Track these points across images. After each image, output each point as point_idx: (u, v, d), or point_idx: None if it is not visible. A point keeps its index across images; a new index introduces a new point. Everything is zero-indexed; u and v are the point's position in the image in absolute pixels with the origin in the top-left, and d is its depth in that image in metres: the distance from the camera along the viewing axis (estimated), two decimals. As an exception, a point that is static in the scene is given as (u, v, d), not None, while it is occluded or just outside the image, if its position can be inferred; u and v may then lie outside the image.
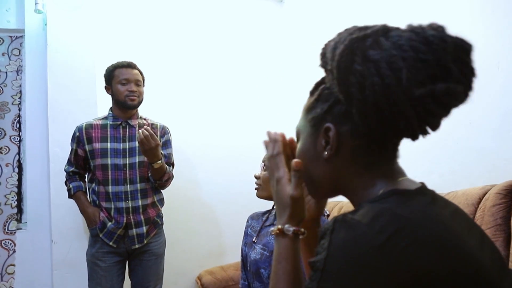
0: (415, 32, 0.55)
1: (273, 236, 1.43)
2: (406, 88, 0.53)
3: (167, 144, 2.26)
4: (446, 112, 0.56)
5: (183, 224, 2.85)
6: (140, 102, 2.16)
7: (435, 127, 0.57)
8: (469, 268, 0.50)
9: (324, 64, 0.63)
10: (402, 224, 0.50)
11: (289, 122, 3.21)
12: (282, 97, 3.28)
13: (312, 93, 0.69)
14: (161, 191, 2.27)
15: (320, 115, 0.64)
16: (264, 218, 1.55)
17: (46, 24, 2.61)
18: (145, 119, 2.25)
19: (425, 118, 0.55)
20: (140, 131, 1.96)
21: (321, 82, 0.68)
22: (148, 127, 1.98)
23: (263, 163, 1.47)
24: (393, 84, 0.53)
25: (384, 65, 0.53)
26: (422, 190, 0.60)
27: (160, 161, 2.05)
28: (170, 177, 2.18)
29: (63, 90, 2.55)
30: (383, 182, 0.61)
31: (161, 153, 2.21)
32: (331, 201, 2.43)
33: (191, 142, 2.93)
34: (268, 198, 1.46)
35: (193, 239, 2.89)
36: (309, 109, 0.67)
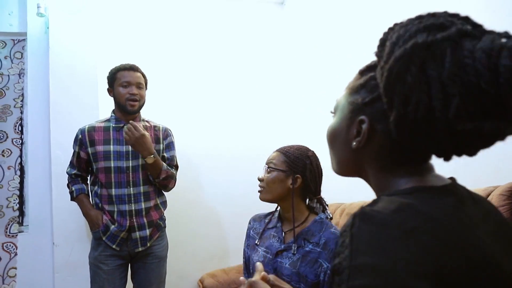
0: (488, 54, 0.47)
1: (275, 238, 1.44)
2: (450, 119, 0.48)
3: (170, 146, 2.26)
4: (488, 145, 0.52)
5: (185, 226, 2.85)
6: (141, 106, 2.16)
7: (472, 154, 0.54)
8: (486, 270, 0.49)
9: (379, 54, 0.58)
10: (424, 220, 0.49)
11: (290, 123, 3.21)
12: (283, 99, 3.28)
13: (361, 73, 0.65)
14: (164, 193, 2.27)
15: (360, 104, 0.62)
16: (266, 220, 1.54)
17: (48, 28, 2.63)
18: (147, 121, 2.25)
19: (462, 148, 0.52)
20: (125, 127, 1.99)
21: (373, 67, 0.63)
22: (133, 122, 2.01)
23: (267, 166, 1.46)
24: (439, 109, 0.49)
25: (438, 86, 0.49)
26: (450, 187, 0.57)
27: (152, 156, 2.05)
28: (169, 176, 2.15)
29: (65, 93, 2.56)
30: (407, 178, 0.59)
31: (164, 155, 2.22)
32: (333, 202, 2.42)
33: (193, 144, 2.94)
34: (272, 201, 1.45)
35: (195, 242, 2.89)
36: (352, 91, 0.65)
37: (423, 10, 0.58)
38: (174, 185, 2.23)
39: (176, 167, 2.27)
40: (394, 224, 0.48)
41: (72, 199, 2.17)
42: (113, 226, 2.06)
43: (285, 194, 1.42)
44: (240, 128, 3.12)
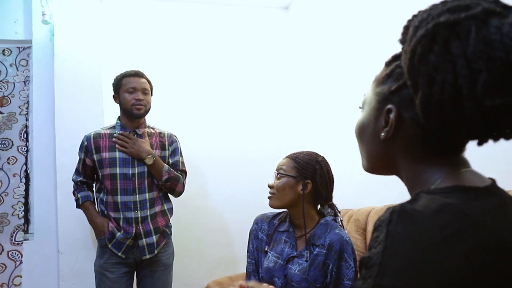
0: None
1: (287, 244, 1.43)
2: (478, 95, 0.48)
3: (175, 152, 2.27)
4: None
5: (191, 233, 2.85)
6: (147, 111, 2.18)
7: (509, 137, 0.52)
8: None
9: (402, 41, 0.58)
10: (467, 223, 0.47)
11: (297, 127, 3.22)
12: (290, 104, 3.29)
13: (387, 64, 0.65)
14: (171, 200, 2.28)
15: (387, 93, 0.61)
16: (276, 222, 1.53)
17: (53, 35, 2.67)
18: (152, 128, 2.27)
19: (495, 128, 0.51)
20: (114, 141, 2.11)
21: (399, 56, 0.63)
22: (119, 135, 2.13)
23: (277, 172, 1.47)
24: (466, 86, 0.48)
25: (463, 62, 0.48)
26: (492, 189, 0.56)
27: (151, 156, 2.09)
28: (172, 178, 2.15)
29: (70, 100, 2.59)
30: (442, 171, 0.57)
31: (169, 161, 2.23)
32: (340, 208, 2.41)
33: (199, 149, 2.95)
34: (282, 207, 1.45)
35: (201, 249, 2.89)
36: (379, 82, 0.65)
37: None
38: (183, 190, 2.24)
39: (184, 173, 2.28)
40: (435, 227, 0.47)
41: (78, 206, 2.18)
42: (119, 234, 2.06)
43: (296, 200, 1.42)
44: (248, 133, 3.12)
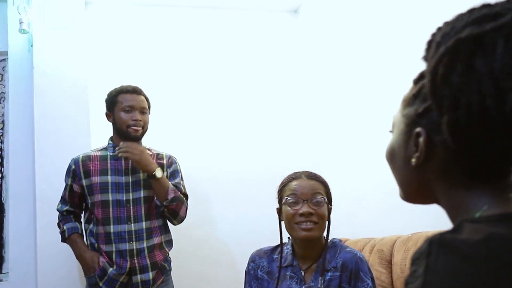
0: None
1: (293, 280, 1.53)
2: (508, 116, 0.49)
3: (175, 174, 2.37)
4: None
5: (191, 268, 2.86)
6: (144, 133, 2.29)
7: None
8: None
9: (425, 58, 0.60)
10: None
11: (309, 144, 3.30)
12: (301, 116, 3.37)
13: (415, 82, 0.69)
14: (170, 230, 2.37)
15: (414, 116, 0.65)
16: (275, 256, 1.61)
17: (32, 45, 2.77)
18: (149, 149, 2.37)
19: None
20: (117, 151, 2.18)
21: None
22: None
23: (314, 197, 1.52)
24: (492, 107, 0.50)
25: (489, 81, 0.50)
26: None
27: (160, 168, 2.20)
28: (178, 198, 2.24)
29: (51, 119, 2.68)
30: (487, 197, 0.59)
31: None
32: (361, 238, 2.49)
33: (200, 172, 2.99)
34: (318, 239, 1.55)
35: (204, 286, 2.90)
36: (406, 104, 0.69)
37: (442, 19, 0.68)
38: (185, 215, 2.32)
39: (186, 197, 2.37)
40: (481, 258, 0.48)
41: (64, 240, 2.26)
42: (111, 269, 2.14)
43: None
44: (253, 153, 3.16)
